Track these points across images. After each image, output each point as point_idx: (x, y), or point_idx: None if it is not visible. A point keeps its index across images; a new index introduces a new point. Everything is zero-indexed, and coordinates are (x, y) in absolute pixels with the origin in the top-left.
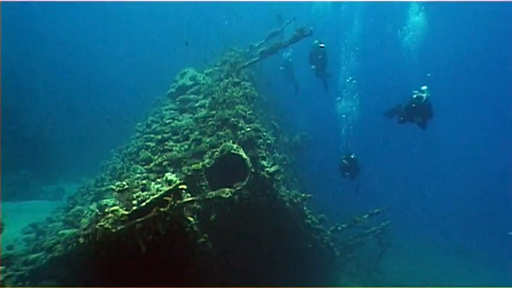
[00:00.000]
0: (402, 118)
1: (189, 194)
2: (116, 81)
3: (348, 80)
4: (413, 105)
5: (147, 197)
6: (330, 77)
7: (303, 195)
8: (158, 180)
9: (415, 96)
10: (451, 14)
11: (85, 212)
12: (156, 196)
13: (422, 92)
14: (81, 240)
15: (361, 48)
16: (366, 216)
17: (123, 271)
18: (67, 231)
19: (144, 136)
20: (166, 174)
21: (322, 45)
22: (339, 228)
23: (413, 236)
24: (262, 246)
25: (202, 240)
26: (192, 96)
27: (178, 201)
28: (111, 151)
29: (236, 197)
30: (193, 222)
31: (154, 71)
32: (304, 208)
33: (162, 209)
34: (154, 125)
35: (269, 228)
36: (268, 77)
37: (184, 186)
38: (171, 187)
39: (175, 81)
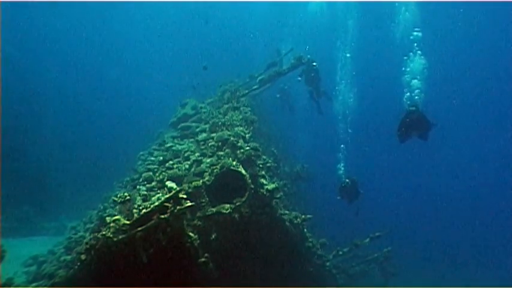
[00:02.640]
0: (400, 134)
1: (188, 201)
2: (123, 116)
3: (346, 55)
4: (408, 120)
5: (148, 205)
6: (326, 95)
7: (303, 216)
8: (159, 191)
9: (407, 109)
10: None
11: (87, 235)
12: (156, 204)
13: (414, 104)
14: (83, 257)
15: (356, 46)
16: (367, 240)
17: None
18: (69, 257)
19: (146, 163)
20: (167, 182)
21: (314, 63)
22: (340, 252)
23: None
24: (262, 268)
25: (203, 260)
26: (193, 124)
27: (178, 207)
28: (114, 183)
29: (236, 215)
30: (194, 237)
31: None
32: (305, 230)
33: (162, 216)
34: (156, 152)
35: (269, 249)
36: (267, 106)
37: (184, 196)
38: (171, 194)
39: (179, 110)
